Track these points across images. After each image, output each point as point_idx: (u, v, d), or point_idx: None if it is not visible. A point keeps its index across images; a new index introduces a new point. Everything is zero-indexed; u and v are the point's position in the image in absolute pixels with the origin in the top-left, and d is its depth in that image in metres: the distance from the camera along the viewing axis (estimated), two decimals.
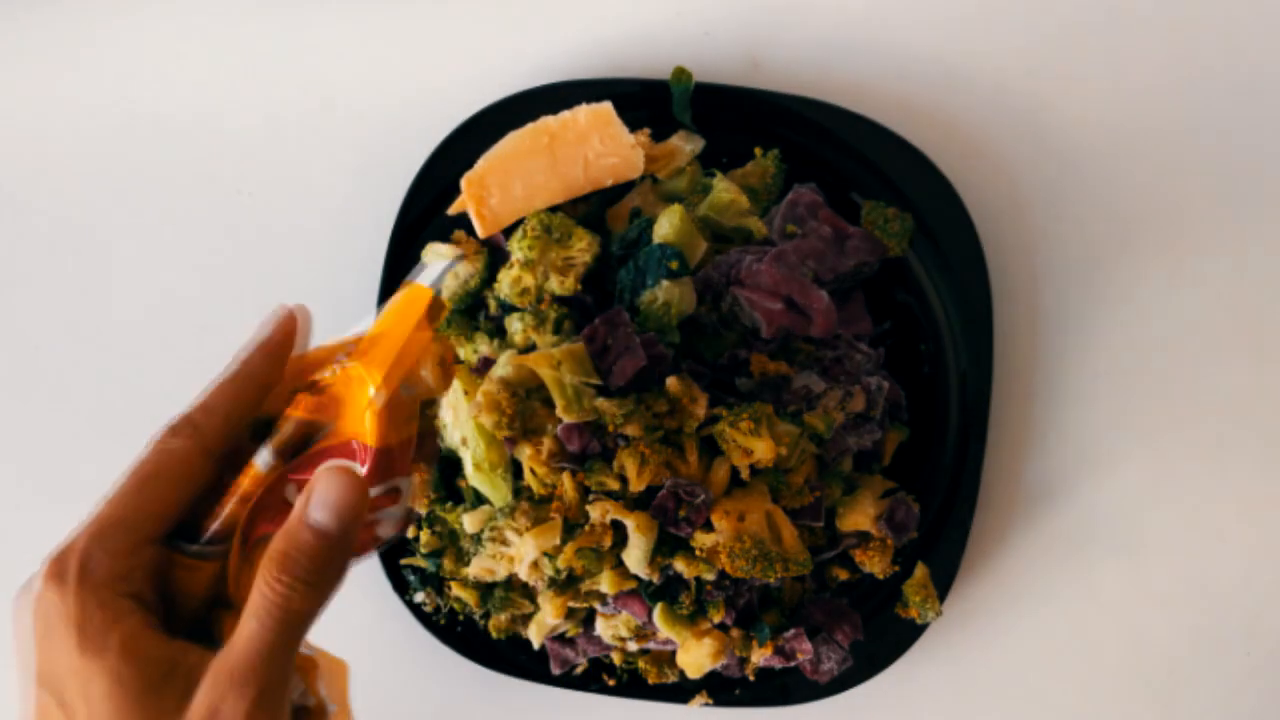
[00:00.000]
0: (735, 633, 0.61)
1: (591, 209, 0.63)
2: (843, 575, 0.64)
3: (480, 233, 0.61)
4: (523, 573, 0.58)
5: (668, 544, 0.58)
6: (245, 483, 0.39)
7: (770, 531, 0.57)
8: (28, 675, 0.38)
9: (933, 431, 0.64)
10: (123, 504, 0.39)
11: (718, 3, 0.66)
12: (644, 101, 0.63)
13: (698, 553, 0.57)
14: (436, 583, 0.65)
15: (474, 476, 0.58)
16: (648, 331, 0.58)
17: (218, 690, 0.37)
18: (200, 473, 0.40)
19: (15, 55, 0.69)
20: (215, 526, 0.39)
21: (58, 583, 0.38)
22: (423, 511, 0.63)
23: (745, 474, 0.58)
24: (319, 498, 0.39)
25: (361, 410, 0.39)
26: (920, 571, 0.63)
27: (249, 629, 0.38)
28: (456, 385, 0.59)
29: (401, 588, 0.65)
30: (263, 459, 0.39)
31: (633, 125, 0.61)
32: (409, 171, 0.64)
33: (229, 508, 0.39)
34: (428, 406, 0.45)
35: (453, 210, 0.62)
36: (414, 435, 0.41)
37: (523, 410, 0.57)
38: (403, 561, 0.65)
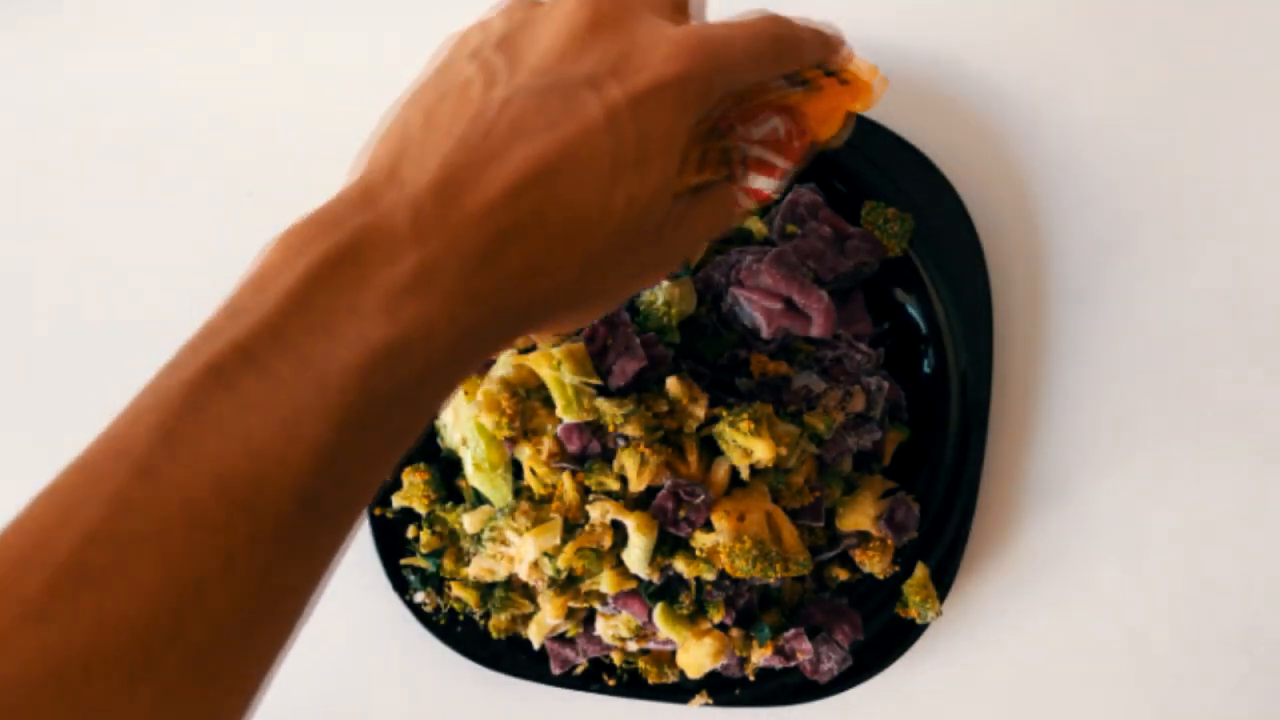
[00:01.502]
0: (735, 633, 0.61)
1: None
2: (843, 575, 0.64)
3: None
4: (523, 573, 0.58)
5: (668, 544, 0.58)
6: (776, 99, 0.45)
7: (770, 531, 0.57)
8: None
9: (933, 431, 0.64)
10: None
11: (717, 3, 0.66)
12: None
13: (698, 553, 0.57)
14: (436, 583, 0.65)
15: (474, 476, 0.58)
16: (648, 331, 0.58)
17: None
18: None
19: (19, 54, 0.69)
20: None
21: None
22: (423, 512, 0.63)
23: (745, 474, 0.58)
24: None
25: (822, 113, 0.47)
26: (920, 571, 0.63)
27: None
28: None
29: (401, 588, 0.65)
30: (795, 97, 0.45)
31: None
32: None
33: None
34: None
35: None
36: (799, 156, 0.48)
37: (523, 410, 0.57)
38: (403, 562, 0.65)
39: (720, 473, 0.58)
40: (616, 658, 0.64)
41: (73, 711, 0.27)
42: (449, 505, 0.63)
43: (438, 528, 0.63)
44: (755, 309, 0.60)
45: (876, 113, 0.64)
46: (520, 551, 0.58)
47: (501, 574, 0.60)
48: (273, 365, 0.31)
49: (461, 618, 0.65)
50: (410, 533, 0.64)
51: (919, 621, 0.63)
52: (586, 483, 0.57)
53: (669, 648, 0.63)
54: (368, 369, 0.32)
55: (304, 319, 0.32)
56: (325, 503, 0.31)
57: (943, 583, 0.64)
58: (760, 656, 0.62)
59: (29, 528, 0.29)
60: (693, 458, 0.58)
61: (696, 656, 0.60)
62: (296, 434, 0.30)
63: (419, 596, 0.65)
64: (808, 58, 0.44)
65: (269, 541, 0.30)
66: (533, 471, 0.57)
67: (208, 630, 0.29)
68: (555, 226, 0.36)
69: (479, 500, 0.60)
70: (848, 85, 0.47)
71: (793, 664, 0.62)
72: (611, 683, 0.65)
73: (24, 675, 0.27)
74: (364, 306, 0.32)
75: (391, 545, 0.65)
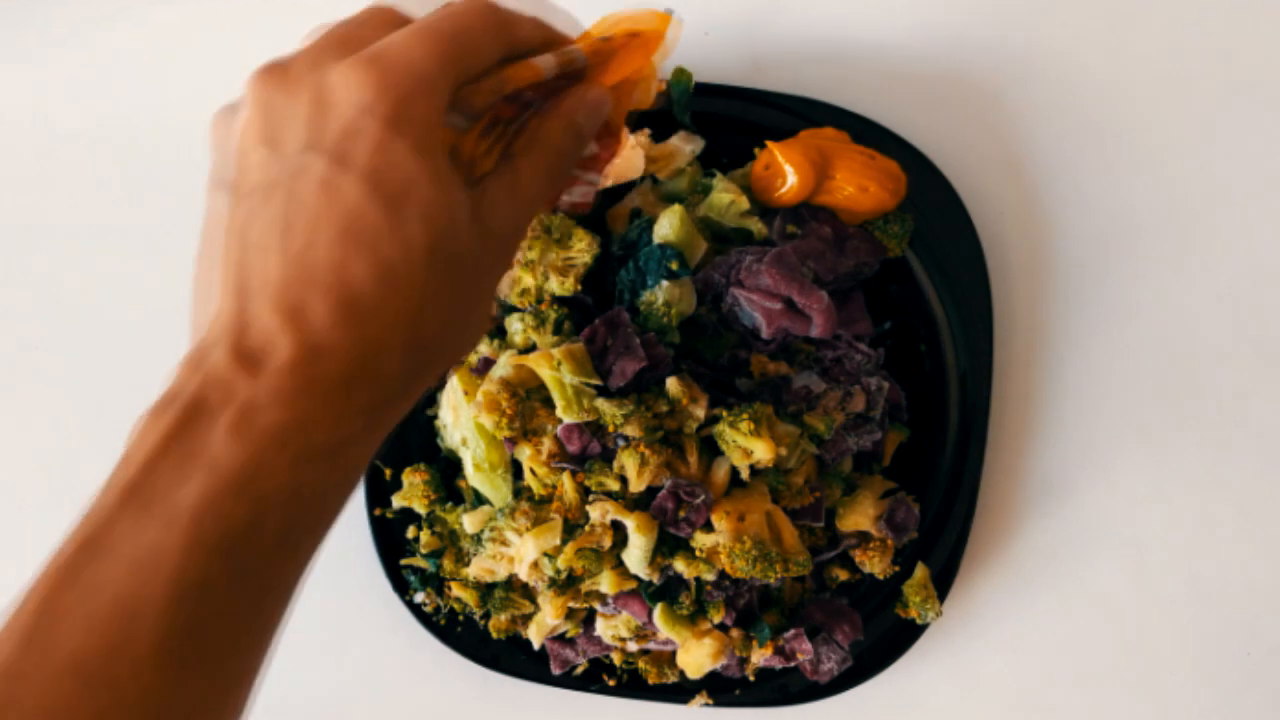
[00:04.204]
0: (735, 633, 0.61)
1: (592, 209, 0.63)
2: (843, 575, 0.64)
3: None
4: (523, 573, 0.58)
5: (668, 544, 0.58)
6: (527, 75, 0.41)
7: (770, 532, 0.57)
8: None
9: (933, 431, 0.64)
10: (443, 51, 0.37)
11: (718, 3, 0.66)
12: None
13: (698, 553, 0.57)
14: (436, 583, 0.65)
15: (474, 477, 0.58)
16: (648, 332, 0.58)
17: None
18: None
19: (14, 53, 0.69)
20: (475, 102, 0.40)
21: (380, 71, 0.36)
22: (423, 512, 0.63)
23: (745, 474, 0.58)
24: (591, 94, 0.42)
25: (621, 80, 0.45)
26: (920, 571, 0.63)
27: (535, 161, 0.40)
28: (456, 386, 0.59)
29: (401, 588, 0.65)
30: (546, 64, 0.41)
31: (633, 125, 0.61)
32: None
33: (489, 94, 0.40)
34: None
35: None
36: (620, 136, 0.47)
37: (523, 410, 0.57)
38: (403, 562, 0.65)
39: (720, 473, 0.58)
40: (616, 658, 0.64)
41: None
42: (449, 505, 0.63)
43: (438, 528, 0.63)
44: (755, 309, 0.59)
45: (876, 112, 0.64)
46: (520, 552, 0.58)
47: (501, 574, 0.60)
48: (115, 548, 0.33)
49: (461, 618, 0.65)
50: (410, 533, 0.64)
51: (919, 622, 0.63)
52: (586, 483, 0.57)
53: (669, 648, 0.63)
54: (200, 523, 0.33)
55: (139, 499, 0.33)
56: (186, 659, 0.33)
57: (943, 583, 0.64)
58: (760, 657, 0.62)
59: None
60: (693, 458, 0.58)
61: (696, 657, 0.60)
62: (138, 610, 0.32)
63: (419, 597, 0.65)
64: (523, 32, 0.41)
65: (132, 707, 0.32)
66: (533, 472, 0.57)
67: None
68: (339, 354, 0.34)
69: (479, 500, 0.60)
70: (638, 40, 0.45)
71: (793, 664, 0.62)
72: (611, 683, 0.65)
73: None
74: (182, 480, 0.33)
75: (391, 545, 0.65)
